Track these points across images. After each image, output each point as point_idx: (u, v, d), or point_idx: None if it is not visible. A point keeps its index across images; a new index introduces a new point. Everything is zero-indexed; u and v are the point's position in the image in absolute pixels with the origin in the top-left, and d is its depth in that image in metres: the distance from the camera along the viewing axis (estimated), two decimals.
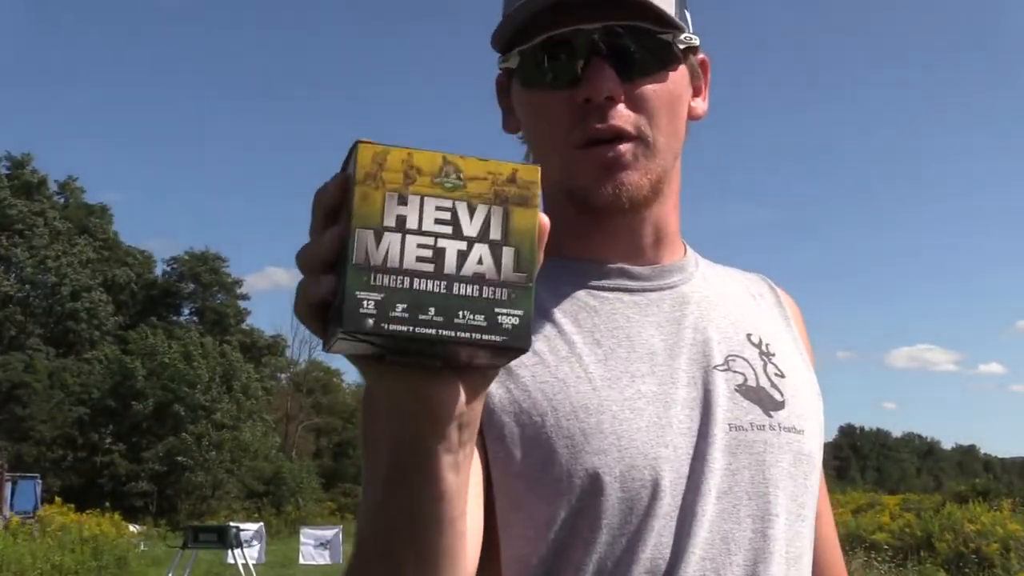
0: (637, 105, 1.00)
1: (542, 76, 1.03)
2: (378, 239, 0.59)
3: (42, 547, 19.14)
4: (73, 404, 48.07)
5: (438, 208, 0.60)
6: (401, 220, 0.60)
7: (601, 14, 0.98)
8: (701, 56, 1.11)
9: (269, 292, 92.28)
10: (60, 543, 19.63)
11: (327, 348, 0.63)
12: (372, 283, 0.58)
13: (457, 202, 0.61)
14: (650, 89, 1.01)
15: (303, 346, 63.06)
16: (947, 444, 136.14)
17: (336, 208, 0.62)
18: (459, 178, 0.61)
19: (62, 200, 57.97)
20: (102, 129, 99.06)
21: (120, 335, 53.41)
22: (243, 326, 60.94)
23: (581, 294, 1.05)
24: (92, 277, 55.50)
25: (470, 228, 0.61)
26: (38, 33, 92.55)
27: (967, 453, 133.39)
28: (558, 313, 1.03)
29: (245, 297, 62.64)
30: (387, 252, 0.59)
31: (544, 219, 0.63)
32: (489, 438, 0.96)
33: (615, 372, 1.00)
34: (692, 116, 1.10)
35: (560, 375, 0.98)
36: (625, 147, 1.00)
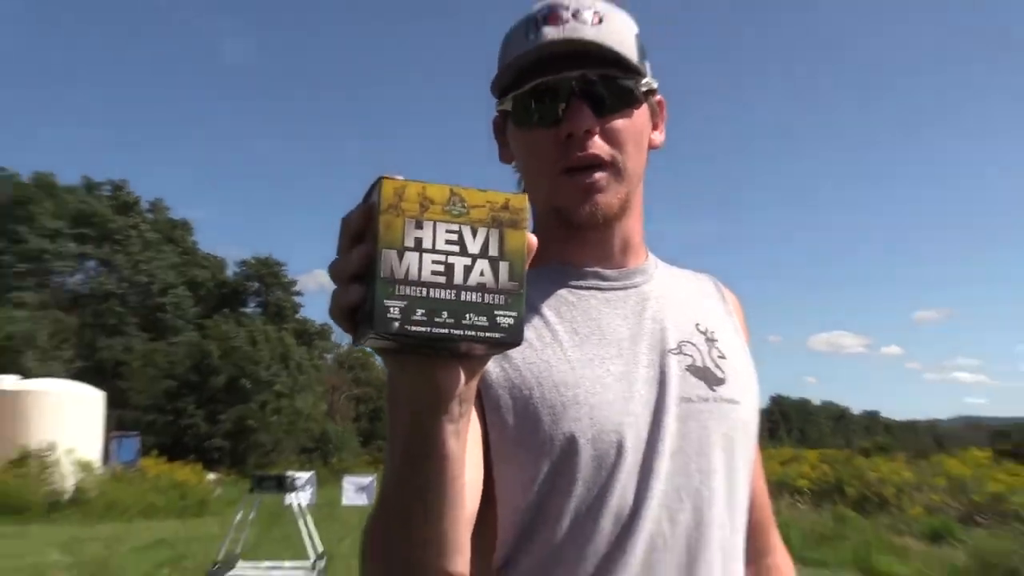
0: (609, 137, 0.99)
1: (531, 117, 1.01)
2: (400, 257, 0.60)
3: (141, 490, 19.21)
4: (162, 378, 48.07)
5: (447, 231, 0.62)
6: (418, 241, 0.61)
7: (577, 65, 0.97)
8: (659, 97, 1.09)
9: (317, 290, 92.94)
10: (155, 487, 19.70)
11: (357, 344, 0.65)
12: (396, 293, 0.60)
13: (463, 226, 0.62)
14: (619, 124, 1.00)
15: (345, 333, 63.52)
16: (856, 410, 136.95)
17: (360, 232, 0.63)
18: (464, 206, 0.62)
19: (152, 216, 58.08)
20: (178, 157, 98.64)
21: (199, 323, 53.41)
22: (297, 316, 60.99)
23: (563, 292, 1.05)
24: (176, 277, 55.50)
25: (473, 247, 0.62)
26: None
27: (871, 417, 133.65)
28: (545, 308, 1.03)
29: (299, 293, 62.66)
30: (408, 268, 0.60)
31: (532, 238, 0.65)
32: (488, 408, 0.97)
33: (589, 355, 0.99)
34: (652, 146, 1.08)
35: (545, 357, 0.98)
36: (600, 175, 0.99)
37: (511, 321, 0.63)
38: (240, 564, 4.38)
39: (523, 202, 0.65)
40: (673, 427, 0.98)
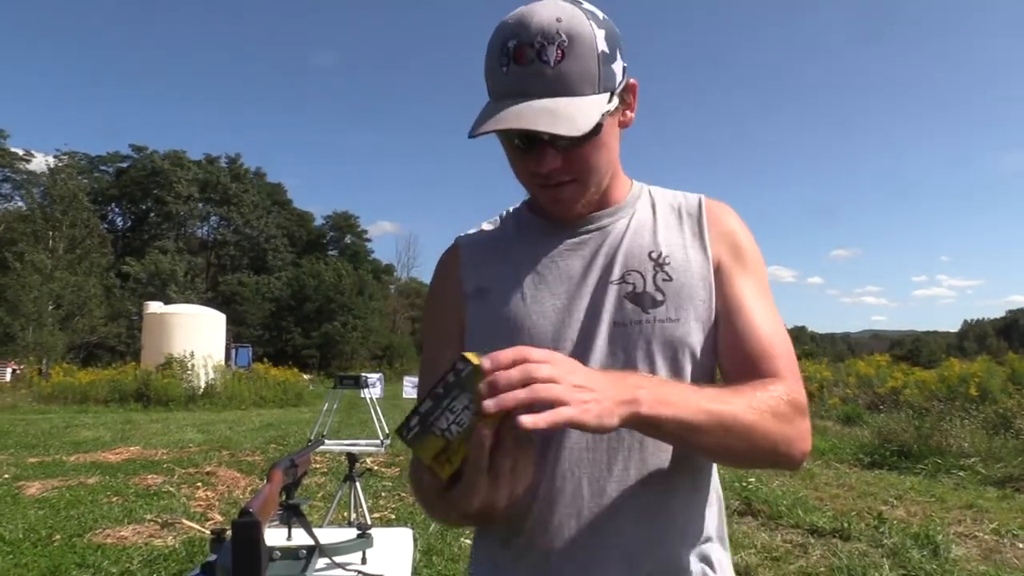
0: (572, 164, 0.90)
1: (509, 149, 0.92)
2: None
3: (254, 387, 19.50)
4: (267, 303, 48.69)
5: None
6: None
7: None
8: (632, 82, 0.95)
9: (382, 235, 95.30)
10: (264, 384, 19.98)
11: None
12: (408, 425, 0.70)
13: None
14: (576, 154, 0.89)
15: (404, 269, 64.60)
16: (789, 325, 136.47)
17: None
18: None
19: (256, 181, 58.11)
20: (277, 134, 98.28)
21: (295, 263, 53.92)
22: (368, 257, 61.64)
23: (540, 245, 1.00)
24: (277, 228, 55.90)
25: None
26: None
27: (801, 331, 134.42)
28: (521, 260, 1.00)
29: (368, 240, 63.75)
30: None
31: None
32: (466, 340, 0.98)
33: (542, 294, 0.96)
34: (623, 125, 0.97)
35: (506, 299, 0.97)
36: (566, 190, 0.92)
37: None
38: (327, 442, 4.38)
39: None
40: (603, 347, 0.92)
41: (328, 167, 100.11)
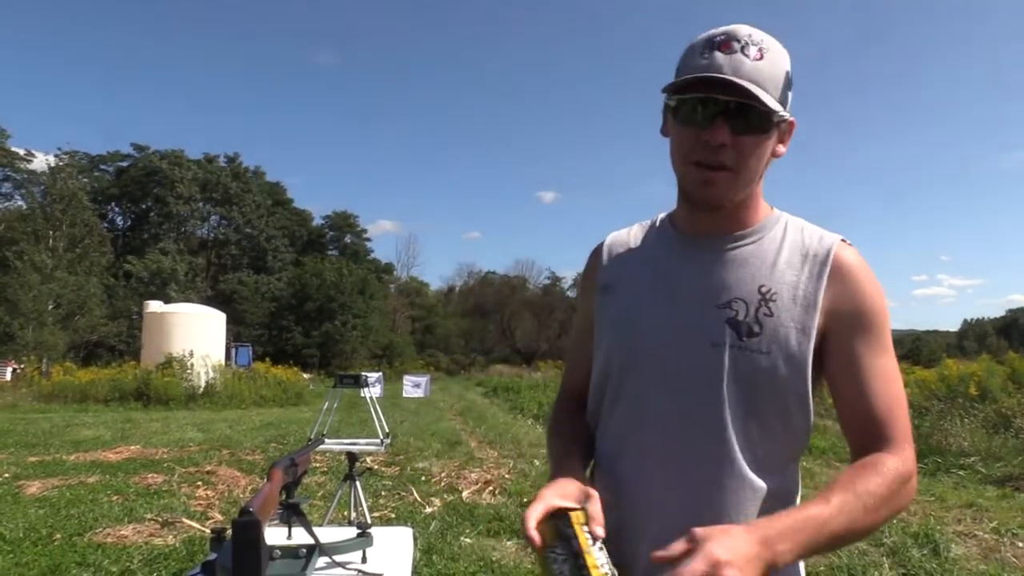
0: (737, 149, 0.97)
1: (686, 117, 0.99)
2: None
3: (254, 386, 19.47)
4: (267, 303, 48.72)
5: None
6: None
7: (730, 91, 0.94)
8: (791, 120, 1.04)
9: (381, 235, 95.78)
10: (264, 383, 19.94)
11: None
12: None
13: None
14: (746, 142, 0.97)
15: (404, 269, 64.86)
16: None
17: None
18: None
19: (255, 180, 57.88)
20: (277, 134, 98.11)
21: (295, 262, 53.93)
22: (368, 257, 61.51)
23: (668, 252, 1.11)
24: (276, 228, 55.88)
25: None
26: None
27: None
28: (648, 264, 1.12)
29: (368, 239, 63.62)
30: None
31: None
32: (595, 320, 1.15)
33: (655, 301, 1.06)
34: (775, 155, 1.05)
35: (623, 298, 1.11)
36: (720, 174, 0.98)
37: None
38: (327, 441, 4.38)
39: None
40: (696, 363, 1.01)
41: (328, 167, 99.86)
